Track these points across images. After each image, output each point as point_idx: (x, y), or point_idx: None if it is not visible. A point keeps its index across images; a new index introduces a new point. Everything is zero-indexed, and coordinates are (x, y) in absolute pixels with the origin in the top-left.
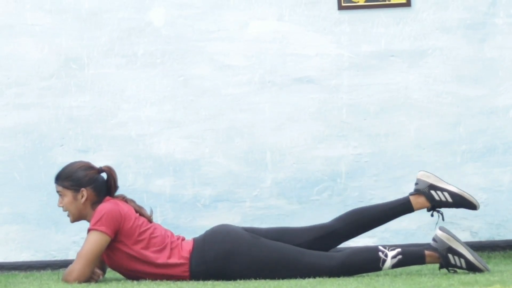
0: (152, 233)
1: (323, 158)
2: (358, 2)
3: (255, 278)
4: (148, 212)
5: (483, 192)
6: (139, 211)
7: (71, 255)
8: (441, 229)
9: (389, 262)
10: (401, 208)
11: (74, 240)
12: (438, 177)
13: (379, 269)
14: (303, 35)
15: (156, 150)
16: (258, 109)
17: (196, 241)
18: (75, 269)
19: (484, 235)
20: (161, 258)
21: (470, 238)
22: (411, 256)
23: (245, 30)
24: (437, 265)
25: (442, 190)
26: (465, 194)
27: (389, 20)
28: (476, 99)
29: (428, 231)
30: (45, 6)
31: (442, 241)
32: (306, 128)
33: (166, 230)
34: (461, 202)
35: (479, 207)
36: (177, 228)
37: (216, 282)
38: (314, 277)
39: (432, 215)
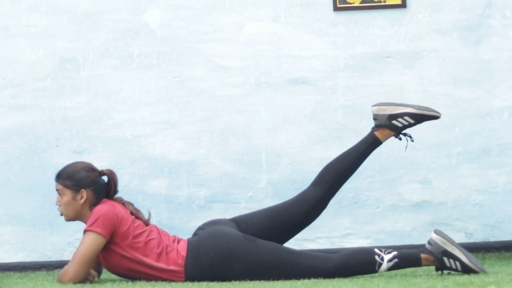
0: (147, 236)
1: (319, 159)
2: (353, 3)
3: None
4: (145, 215)
5: (478, 193)
6: (136, 214)
7: (66, 256)
8: (436, 232)
9: (385, 265)
10: (371, 147)
11: (69, 241)
12: (394, 104)
13: (375, 271)
14: (299, 37)
15: (152, 151)
16: (254, 110)
17: (190, 244)
18: (70, 270)
19: (479, 237)
20: (156, 262)
21: (465, 239)
22: (407, 259)
23: (241, 32)
24: (433, 267)
25: (402, 115)
26: (424, 111)
27: (385, 21)
28: (472, 101)
29: (424, 232)
30: (40, 7)
31: (437, 244)
32: (302, 129)
33: (161, 233)
34: (422, 119)
35: (440, 116)
36: (173, 229)
37: (211, 283)
38: (310, 278)
39: (400, 139)
